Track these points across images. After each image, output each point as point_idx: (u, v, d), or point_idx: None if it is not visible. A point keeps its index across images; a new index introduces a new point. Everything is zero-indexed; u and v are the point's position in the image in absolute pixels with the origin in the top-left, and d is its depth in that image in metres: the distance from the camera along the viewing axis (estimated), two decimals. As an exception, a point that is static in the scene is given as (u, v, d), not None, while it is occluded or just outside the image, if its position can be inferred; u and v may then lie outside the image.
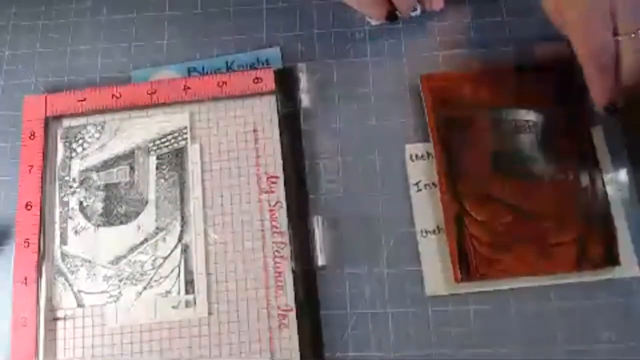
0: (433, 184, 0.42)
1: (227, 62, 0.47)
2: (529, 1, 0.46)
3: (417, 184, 0.42)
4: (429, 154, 0.43)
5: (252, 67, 0.46)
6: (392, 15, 0.44)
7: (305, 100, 0.45)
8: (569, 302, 0.39)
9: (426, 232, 0.41)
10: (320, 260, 0.40)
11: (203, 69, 0.47)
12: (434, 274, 0.40)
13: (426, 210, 0.41)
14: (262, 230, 0.42)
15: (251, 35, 0.47)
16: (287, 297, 0.40)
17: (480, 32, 0.46)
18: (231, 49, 0.47)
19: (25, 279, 0.41)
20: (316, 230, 0.41)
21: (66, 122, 0.45)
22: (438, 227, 0.41)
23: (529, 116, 0.42)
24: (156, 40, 0.48)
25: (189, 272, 0.41)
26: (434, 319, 0.39)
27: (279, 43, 0.47)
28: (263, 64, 0.46)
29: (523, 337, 0.39)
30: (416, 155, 0.43)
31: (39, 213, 0.42)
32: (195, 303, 0.40)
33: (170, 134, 0.44)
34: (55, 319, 0.40)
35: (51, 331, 0.40)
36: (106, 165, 0.44)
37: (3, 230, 0.43)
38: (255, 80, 0.44)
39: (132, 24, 0.49)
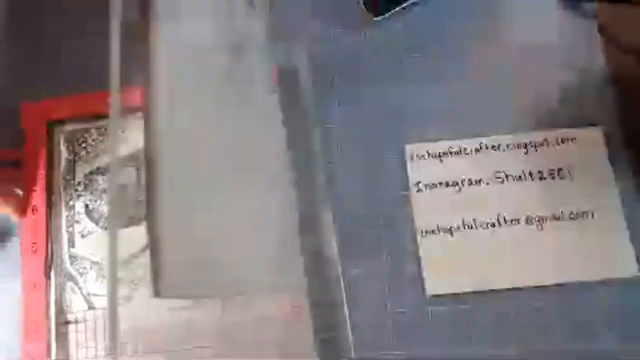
0: (432, 184, 0.43)
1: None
2: None
3: (417, 184, 0.43)
4: (429, 154, 0.43)
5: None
6: None
7: (307, 98, 0.44)
8: (569, 302, 0.40)
9: (426, 232, 0.41)
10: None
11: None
12: (434, 274, 0.40)
13: (426, 210, 0.42)
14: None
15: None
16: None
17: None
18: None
19: (35, 284, 0.40)
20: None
21: (69, 126, 0.44)
22: (437, 226, 0.42)
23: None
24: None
25: (200, 271, 0.41)
26: (434, 319, 0.40)
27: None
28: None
29: (523, 337, 0.39)
30: (416, 155, 0.43)
31: (45, 217, 0.41)
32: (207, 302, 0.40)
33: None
34: (67, 322, 0.40)
35: (63, 334, 0.39)
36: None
37: (3, 230, 0.43)
38: None
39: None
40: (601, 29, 0.46)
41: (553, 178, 0.43)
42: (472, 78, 0.45)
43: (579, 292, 0.40)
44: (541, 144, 0.43)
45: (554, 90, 0.45)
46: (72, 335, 0.39)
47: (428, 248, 0.41)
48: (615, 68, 0.45)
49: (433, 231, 0.41)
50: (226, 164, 0.35)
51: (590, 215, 0.42)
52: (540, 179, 0.42)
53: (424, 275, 0.40)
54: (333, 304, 0.40)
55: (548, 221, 0.41)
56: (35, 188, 0.42)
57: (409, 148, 0.44)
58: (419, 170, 0.43)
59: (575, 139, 0.44)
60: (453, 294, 0.40)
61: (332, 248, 0.41)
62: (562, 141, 0.43)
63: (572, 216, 0.41)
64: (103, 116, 0.44)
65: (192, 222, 0.32)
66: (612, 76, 0.45)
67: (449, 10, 0.46)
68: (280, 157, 0.38)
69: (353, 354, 0.39)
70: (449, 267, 0.40)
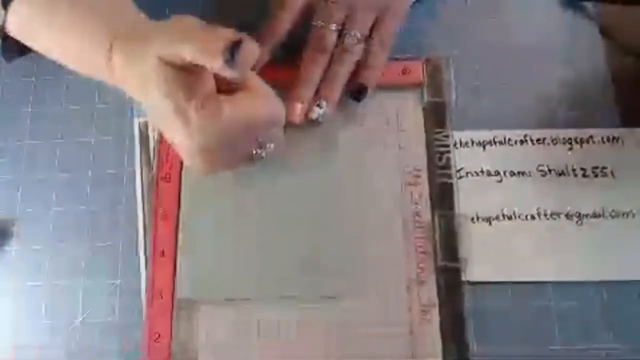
0: (475, 172, 0.43)
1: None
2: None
3: (459, 170, 0.43)
4: (473, 142, 0.44)
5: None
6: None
7: (452, 93, 0.45)
8: (569, 302, 0.40)
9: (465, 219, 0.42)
10: (464, 257, 0.41)
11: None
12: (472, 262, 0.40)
13: (466, 197, 0.42)
14: (405, 224, 0.42)
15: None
16: (430, 294, 0.40)
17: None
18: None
19: (163, 252, 0.42)
20: (461, 226, 0.41)
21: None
22: (477, 215, 0.42)
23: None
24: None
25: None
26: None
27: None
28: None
29: (523, 336, 0.39)
30: (461, 142, 0.44)
31: (177, 187, 0.44)
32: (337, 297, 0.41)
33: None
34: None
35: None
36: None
37: (3, 230, 0.45)
38: (404, 72, 0.45)
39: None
40: (603, 30, 0.44)
41: (596, 176, 0.42)
42: (472, 77, 0.46)
43: (617, 290, 0.40)
44: (586, 141, 0.42)
45: (554, 91, 0.45)
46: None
47: (467, 235, 0.41)
48: (616, 69, 0.43)
49: (472, 219, 0.42)
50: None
51: (631, 215, 0.40)
52: (583, 175, 0.42)
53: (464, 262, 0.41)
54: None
55: (588, 218, 0.41)
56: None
57: (454, 135, 0.44)
58: (463, 157, 0.44)
59: (620, 138, 0.42)
60: (490, 282, 0.41)
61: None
62: (608, 140, 0.42)
63: (612, 215, 0.41)
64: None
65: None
66: (613, 77, 0.43)
67: (449, 10, 0.45)
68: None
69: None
70: (487, 256, 0.41)
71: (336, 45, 0.43)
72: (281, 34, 0.43)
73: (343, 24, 0.43)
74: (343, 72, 0.43)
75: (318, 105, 0.43)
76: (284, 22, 0.43)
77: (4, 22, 0.36)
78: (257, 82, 0.36)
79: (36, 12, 0.36)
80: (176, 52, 0.31)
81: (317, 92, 0.43)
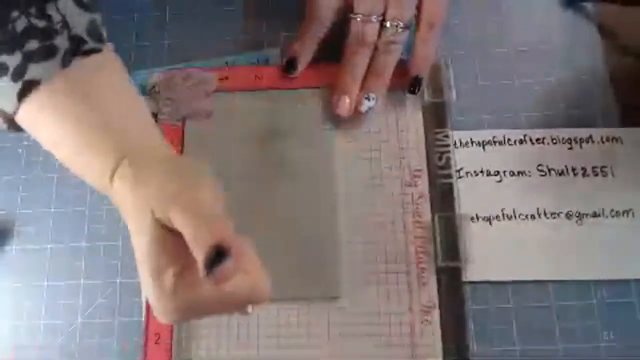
0: (474, 172, 0.43)
1: (226, 62, 0.48)
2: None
3: (459, 170, 0.43)
4: (472, 141, 0.44)
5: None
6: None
7: (452, 93, 0.45)
8: (569, 301, 0.40)
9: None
10: (465, 257, 0.41)
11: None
12: (472, 262, 0.41)
13: (466, 197, 0.42)
14: (405, 224, 0.42)
15: (251, 36, 0.49)
16: (431, 294, 0.41)
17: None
18: (231, 49, 0.48)
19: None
20: (461, 226, 0.42)
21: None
22: (477, 215, 0.42)
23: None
24: (157, 40, 0.49)
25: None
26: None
27: (279, 44, 0.48)
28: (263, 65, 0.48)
29: (523, 336, 0.39)
30: (460, 142, 0.44)
31: None
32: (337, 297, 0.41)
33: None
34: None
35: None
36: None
37: (4, 230, 0.45)
38: (404, 72, 0.44)
39: (133, 24, 0.50)
40: (602, 30, 0.44)
41: (596, 175, 0.42)
42: (472, 77, 0.46)
43: (617, 289, 0.40)
44: (586, 141, 0.42)
45: (554, 91, 0.45)
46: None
47: (468, 235, 0.41)
48: (615, 68, 0.43)
49: (472, 219, 0.42)
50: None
51: (630, 214, 0.40)
52: (583, 175, 0.42)
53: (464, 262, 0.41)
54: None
55: (588, 217, 0.41)
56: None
57: (454, 135, 0.44)
58: (462, 157, 0.44)
59: (620, 138, 0.42)
60: (490, 282, 0.41)
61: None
62: (607, 140, 0.42)
63: (612, 214, 0.41)
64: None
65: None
66: (612, 76, 0.43)
67: (449, 9, 0.45)
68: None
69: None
70: (487, 256, 0.41)
71: (378, 36, 0.43)
72: (321, 32, 0.44)
73: (383, 14, 0.43)
74: (390, 62, 0.43)
75: (367, 98, 0.43)
76: (323, 20, 0.43)
77: (15, 112, 0.33)
78: (248, 255, 0.32)
79: (46, 116, 0.33)
80: (171, 221, 0.30)
81: (363, 84, 0.43)
